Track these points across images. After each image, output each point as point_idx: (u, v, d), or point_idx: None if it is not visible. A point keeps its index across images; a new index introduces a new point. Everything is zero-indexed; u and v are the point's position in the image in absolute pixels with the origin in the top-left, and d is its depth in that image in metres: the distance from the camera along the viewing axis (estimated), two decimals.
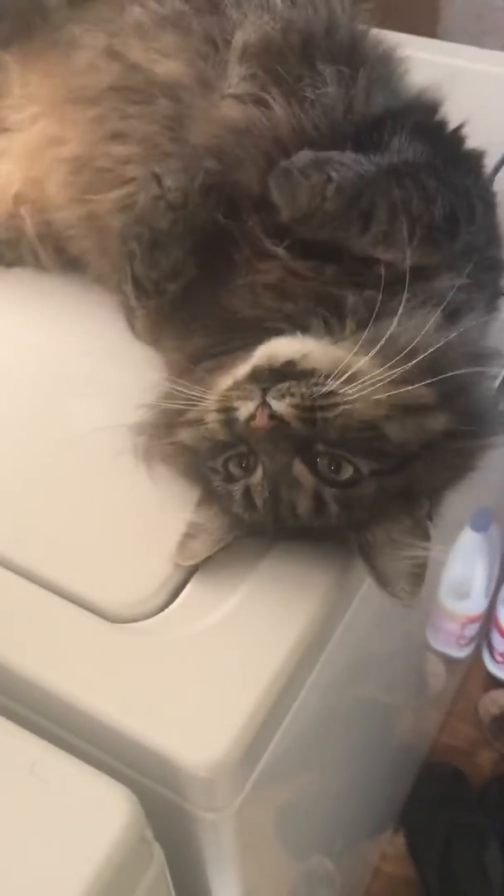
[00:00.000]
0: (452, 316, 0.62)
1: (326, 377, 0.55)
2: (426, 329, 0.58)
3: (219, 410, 0.58)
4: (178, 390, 0.60)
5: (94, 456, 0.69)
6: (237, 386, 0.58)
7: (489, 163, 0.95)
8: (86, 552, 0.63)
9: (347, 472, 0.56)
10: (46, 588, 0.61)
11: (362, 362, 0.56)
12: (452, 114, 0.97)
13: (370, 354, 0.57)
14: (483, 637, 1.78)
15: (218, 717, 0.54)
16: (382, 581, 0.59)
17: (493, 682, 1.79)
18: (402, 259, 0.59)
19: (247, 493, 0.58)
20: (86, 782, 0.50)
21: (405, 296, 0.59)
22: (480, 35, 2.08)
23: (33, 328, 0.81)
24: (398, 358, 0.56)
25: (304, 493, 0.57)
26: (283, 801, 0.79)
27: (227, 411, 0.57)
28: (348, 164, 0.59)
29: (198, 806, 0.55)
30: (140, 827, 0.49)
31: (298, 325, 0.60)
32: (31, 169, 0.80)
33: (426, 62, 1.12)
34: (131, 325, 0.73)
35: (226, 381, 0.60)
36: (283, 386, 0.55)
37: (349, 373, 0.55)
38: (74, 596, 0.60)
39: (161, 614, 0.59)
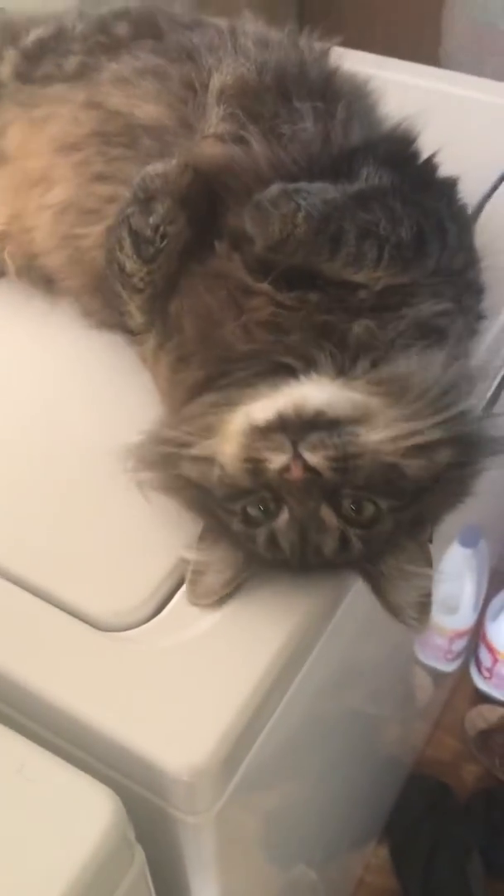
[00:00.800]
0: (454, 347, 0.64)
1: (353, 424, 0.57)
2: (435, 368, 0.60)
3: (244, 460, 0.58)
4: (183, 430, 0.61)
5: (87, 466, 0.70)
6: (263, 435, 0.58)
7: (482, 188, 0.98)
8: (76, 561, 0.65)
9: (369, 512, 0.58)
10: (38, 595, 0.62)
11: (381, 406, 0.58)
12: (447, 140, 1.01)
13: (387, 396, 0.59)
14: (471, 652, 1.80)
15: (201, 723, 0.56)
16: (394, 611, 0.61)
17: (480, 697, 1.80)
18: (374, 279, 0.62)
19: (272, 536, 0.59)
20: (71, 783, 0.52)
21: (399, 326, 0.62)
22: (482, 57, 2.10)
23: (34, 342, 0.83)
24: (412, 398, 0.58)
25: (330, 535, 0.58)
26: (267, 809, 0.80)
27: (254, 462, 0.57)
28: (316, 192, 0.62)
29: (179, 809, 0.57)
30: (122, 828, 0.51)
31: (303, 358, 0.62)
32: (15, 208, 0.82)
33: (424, 89, 1.16)
34: (127, 329, 0.74)
35: (239, 422, 0.60)
36: (315, 438, 0.56)
37: (371, 418, 0.57)
38: (65, 604, 0.62)
39: (149, 624, 0.61)
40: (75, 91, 0.81)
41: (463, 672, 1.80)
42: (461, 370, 0.62)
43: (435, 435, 0.58)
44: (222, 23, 0.86)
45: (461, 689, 1.81)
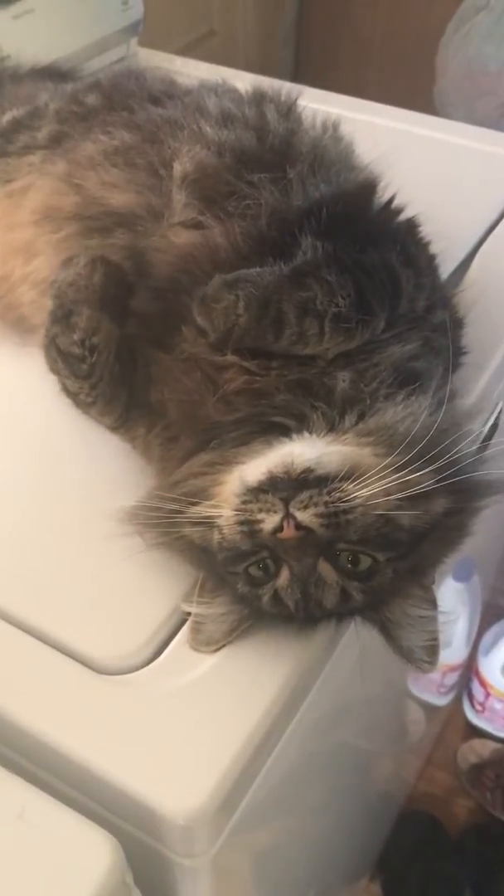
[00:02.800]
0: (438, 390, 0.65)
1: (342, 480, 0.58)
2: (422, 414, 0.62)
3: (240, 523, 0.59)
4: (179, 493, 0.62)
5: (87, 510, 0.72)
6: (255, 497, 0.59)
7: (474, 234, 1.01)
8: (76, 604, 0.66)
9: (366, 564, 0.59)
10: (38, 638, 0.63)
11: (370, 458, 0.59)
12: (443, 187, 1.03)
13: (377, 446, 0.60)
14: (463, 686, 1.80)
15: (198, 767, 0.57)
16: (405, 656, 0.63)
17: (473, 731, 1.81)
18: (323, 351, 0.63)
19: (275, 595, 0.60)
20: (71, 828, 0.52)
21: (378, 375, 0.63)
22: (474, 98, 2.14)
23: (31, 388, 0.84)
24: (401, 448, 0.59)
25: (330, 590, 0.59)
26: (261, 848, 0.81)
27: (248, 524, 0.58)
28: (254, 279, 0.63)
29: (176, 852, 0.58)
30: (121, 873, 0.51)
31: (293, 416, 0.63)
32: (2, 272, 0.83)
33: (419, 136, 1.19)
34: (90, 415, 0.74)
35: (232, 484, 0.61)
36: (305, 496, 0.57)
37: (361, 472, 0.58)
38: (64, 647, 0.63)
39: (147, 667, 0.62)
40: (53, 160, 0.82)
41: (455, 706, 1.81)
42: (449, 415, 0.63)
43: (428, 484, 0.59)
44: (192, 89, 0.88)
45: (453, 724, 1.81)
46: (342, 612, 0.62)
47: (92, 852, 0.51)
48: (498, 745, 1.77)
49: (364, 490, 0.57)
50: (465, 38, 2.08)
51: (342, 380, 0.64)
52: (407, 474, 0.58)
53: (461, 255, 0.98)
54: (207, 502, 0.61)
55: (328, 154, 0.78)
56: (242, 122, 0.79)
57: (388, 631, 0.63)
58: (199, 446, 0.65)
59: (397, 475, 0.58)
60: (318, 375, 0.64)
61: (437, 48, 2.14)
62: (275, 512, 0.58)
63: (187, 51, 1.88)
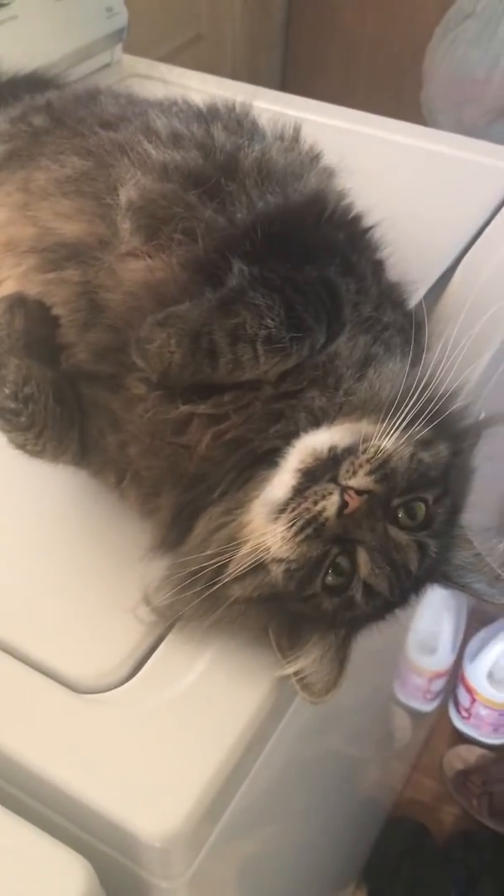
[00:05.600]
0: (403, 357, 0.67)
1: (364, 442, 0.59)
2: (396, 378, 0.64)
3: (301, 530, 0.58)
4: (206, 556, 0.61)
5: (63, 528, 0.71)
6: (302, 496, 0.59)
7: (456, 247, 1.01)
8: (51, 621, 0.65)
9: (422, 511, 0.61)
10: (14, 656, 0.63)
11: (369, 427, 0.61)
12: (428, 196, 1.03)
13: (369, 415, 0.62)
14: (449, 692, 1.80)
15: (175, 787, 0.56)
16: (481, 595, 0.66)
17: (459, 737, 1.81)
18: (263, 373, 0.63)
19: (366, 586, 0.60)
20: (44, 851, 0.52)
21: (342, 370, 0.64)
22: (462, 103, 2.15)
23: None
24: (390, 409, 0.61)
25: (409, 548, 0.61)
26: (244, 859, 0.80)
27: (310, 523, 0.58)
28: (184, 314, 0.63)
29: (153, 874, 0.57)
30: None
31: (282, 437, 0.63)
32: None
33: (405, 146, 1.19)
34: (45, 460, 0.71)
35: (260, 513, 0.60)
36: (347, 466, 0.59)
37: (373, 433, 0.60)
38: (39, 664, 0.62)
39: (124, 686, 0.61)
40: (9, 183, 0.81)
41: (441, 712, 1.81)
42: (423, 371, 0.65)
43: (426, 430, 0.61)
44: (145, 107, 0.87)
45: (439, 730, 1.82)
46: (425, 574, 0.63)
47: (65, 876, 0.51)
48: (484, 752, 1.77)
49: (386, 442, 0.59)
50: (452, 44, 2.09)
51: (311, 397, 0.64)
52: (406, 427, 0.60)
53: (444, 264, 0.98)
54: (245, 546, 0.60)
55: (275, 165, 0.78)
56: (190, 141, 0.78)
57: (457, 580, 0.65)
58: (192, 498, 0.65)
59: (398, 429, 0.60)
60: (286, 401, 0.64)
61: (424, 54, 2.15)
62: (331, 493, 0.58)
63: (175, 55, 1.88)
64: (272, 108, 0.96)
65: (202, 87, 1.26)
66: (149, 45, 1.59)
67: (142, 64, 1.37)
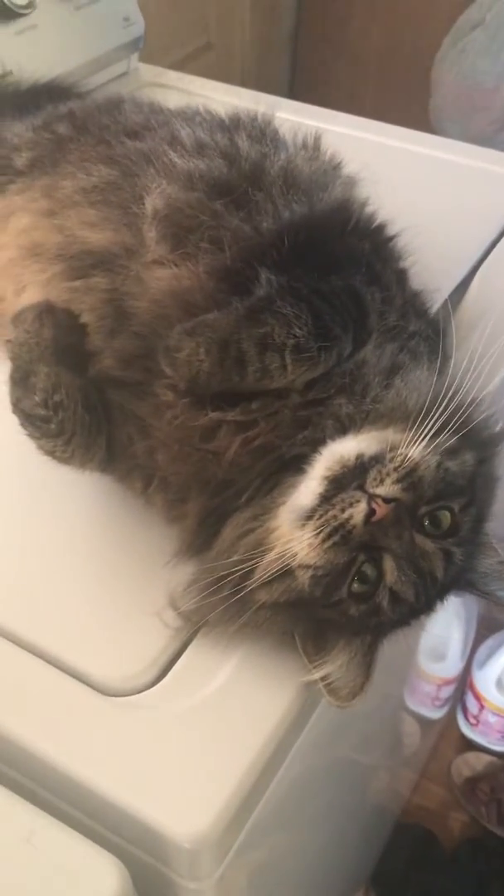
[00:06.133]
0: (430, 364, 0.68)
1: (392, 451, 0.60)
2: (422, 386, 0.64)
3: (328, 536, 0.59)
4: (234, 561, 0.61)
5: (90, 533, 0.72)
6: (330, 503, 0.59)
7: (472, 256, 1.01)
8: (82, 625, 0.66)
9: (448, 520, 0.62)
10: (44, 659, 0.63)
11: (395, 435, 0.61)
12: (439, 205, 1.04)
13: (396, 424, 0.62)
14: (458, 699, 1.81)
15: (205, 790, 0.57)
16: (502, 601, 0.67)
17: (467, 744, 1.81)
18: (291, 382, 0.63)
19: (392, 593, 0.60)
20: (79, 852, 0.52)
21: (369, 378, 0.65)
22: (469, 113, 2.16)
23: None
24: (417, 418, 0.61)
25: (435, 556, 0.61)
26: (259, 864, 0.80)
27: (338, 530, 0.59)
28: (212, 323, 0.63)
29: (182, 875, 0.58)
30: None
31: (309, 443, 0.63)
32: None
33: (418, 155, 1.20)
34: (73, 466, 0.72)
35: (286, 519, 0.61)
36: (374, 474, 0.59)
37: (400, 441, 0.60)
38: (70, 668, 0.63)
39: (153, 689, 0.62)
40: (34, 196, 0.82)
41: (450, 719, 1.81)
42: (450, 380, 0.65)
43: (453, 440, 0.62)
44: (168, 120, 0.87)
45: (448, 737, 1.82)
46: (450, 581, 0.63)
47: (100, 877, 0.51)
48: (492, 759, 1.77)
49: (413, 450, 0.60)
50: (460, 53, 2.10)
51: (338, 405, 0.64)
52: (433, 436, 0.61)
53: (461, 274, 0.98)
54: (272, 552, 0.61)
55: (300, 174, 0.78)
56: (214, 150, 0.79)
57: (482, 587, 0.66)
58: (219, 504, 0.65)
59: (425, 438, 0.60)
60: (314, 409, 0.64)
61: (432, 64, 2.15)
62: (358, 501, 0.59)
63: (185, 63, 1.89)
64: (283, 116, 0.97)
65: (218, 96, 1.27)
66: (159, 53, 1.60)
67: (157, 73, 1.38)
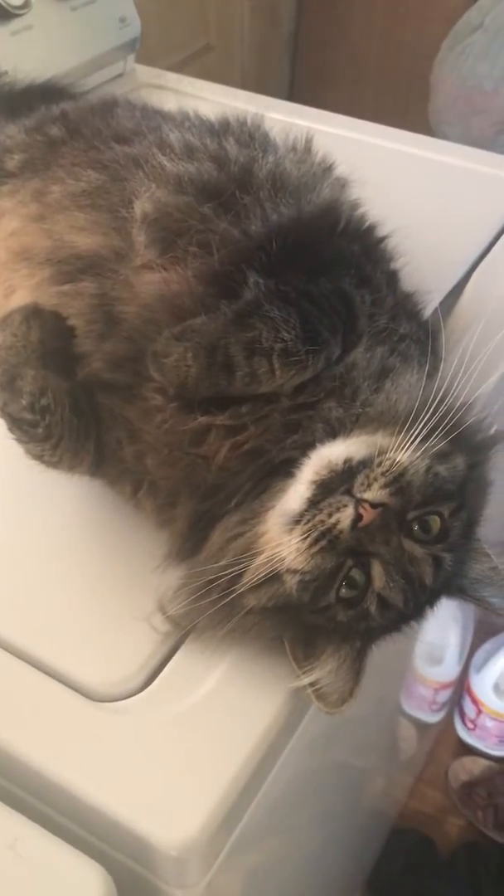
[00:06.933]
0: (420, 368, 0.67)
1: (380, 455, 0.60)
2: (413, 390, 0.64)
3: (315, 541, 0.59)
4: (222, 565, 0.61)
5: (79, 537, 0.71)
6: (317, 507, 0.59)
7: (468, 259, 1.01)
8: (69, 630, 0.66)
9: (438, 525, 0.61)
10: (31, 664, 0.63)
11: (385, 439, 0.61)
12: (437, 207, 1.04)
13: (386, 428, 0.62)
14: (455, 703, 1.80)
15: (191, 796, 0.56)
16: (499, 609, 0.66)
17: (464, 749, 1.81)
18: (279, 386, 0.63)
19: (381, 598, 0.60)
20: (64, 860, 0.52)
21: (359, 379, 0.64)
22: (469, 115, 2.16)
23: None
24: (407, 421, 0.61)
25: (424, 562, 0.61)
26: (252, 868, 0.80)
27: (325, 534, 0.58)
28: (199, 328, 0.63)
29: (168, 883, 0.57)
30: None
31: (298, 447, 0.63)
32: None
33: (415, 157, 1.20)
34: (61, 471, 0.72)
35: (275, 523, 0.61)
36: (361, 479, 0.59)
37: (389, 446, 0.60)
38: (57, 673, 0.62)
39: (140, 694, 0.62)
40: (23, 193, 0.82)
41: (447, 723, 1.81)
42: (440, 383, 0.65)
43: (443, 443, 0.62)
44: (158, 121, 0.87)
45: (444, 741, 1.81)
46: (439, 587, 0.63)
47: (84, 885, 0.51)
48: (489, 763, 1.77)
49: (402, 455, 0.59)
50: (460, 56, 2.09)
51: (328, 409, 0.64)
52: (423, 440, 0.60)
53: (457, 276, 0.98)
54: (260, 556, 0.60)
55: (289, 177, 0.78)
56: (204, 153, 0.78)
57: (472, 593, 0.66)
58: (208, 508, 0.65)
59: (414, 442, 0.60)
60: (303, 412, 0.64)
61: (432, 66, 2.15)
62: (346, 505, 0.58)
63: (184, 65, 1.89)
64: (281, 118, 0.97)
65: (214, 98, 1.27)
66: (158, 54, 1.60)
67: (154, 74, 1.38)
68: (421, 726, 1.62)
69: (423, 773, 1.76)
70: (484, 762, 1.77)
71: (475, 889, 1.57)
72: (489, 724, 1.76)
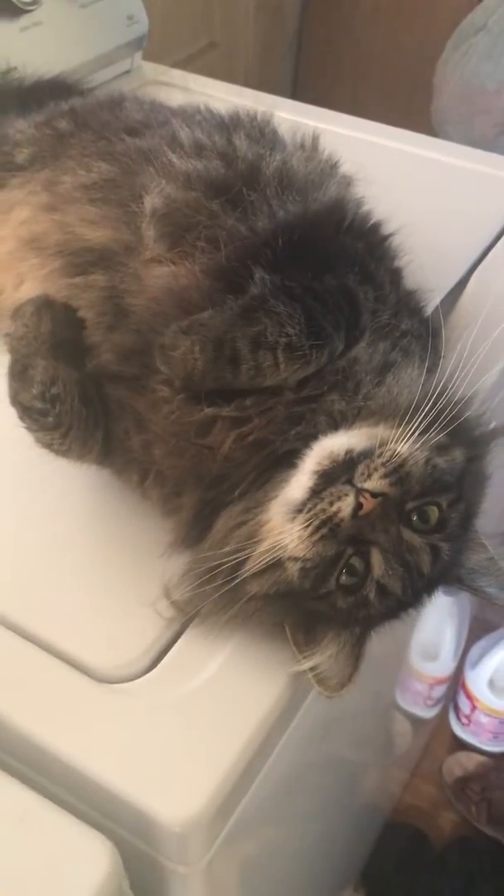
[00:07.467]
0: (421, 363, 0.69)
1: (381, 446, 0.61)
2: (414, 383, 0.65)
3: (317, 529, 0.60)
4: (226, 552, 0.62)
5: (87, 524, 0.73)
6: (318, 497, 0.60)
7: (469, 258, 1.03)
8: (76, 612, 0.67)
9: (436, 515, 0.63)
10: (38, 645, 0.64)
11: (386, 431, 0.62)
12: (439, 207, 1.05)
13: (387, 420, 0.63)
14: (450, 698, 1.81)
15: (195, 775, 0.58)
16: (495, 598, 0.68)
17: (458, 744, 1.82)
18: (283, 380, 0.64)
19: (379, 586, 0.61)
20: (71, 833, 0.53)
21: (360, 374, 0.66)
22: (472, 115, 2.17)
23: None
24: (407, 414, 0.62)
25: (422, 551, 0.62)
26: (249, 857, 0.81)
27: (326, 523, 0.60)
28: (206, 321, 0.64)
29: (171, 859, 0.59)
30: (119, 878, 0.52)
31: (301, 439, 0.64)
32: None
33: (417, 157, 1.21)
34: (70, 459, 0.73)
35: (278, 512, 0.62)
36: (363, 469, 0.60)
37: (390, 437, 0.61)
38: (64, 654, 0.64)
39: (146, 676, 0.63)
40: (35, 190, 0.83)
41: (441, 719, 1.82)
42: (440, 377, 0.66)
43: (441, 436, 0.63)
44: (168, 116, 0.89)
45: (439, 736, 1.82)
46: (437, 576, 0.64)
47: (91, 858, 0.52)
48: (483, 759, 1.78)
49: (402, 446, 0.61)
50: (463, 56, 2.10)
51: (331, 401, 0.65)
52: (422, 432, 0.62)
53: (458, 275, 0.99)
54: (263, 544, 0.62)
55: (296, 174, 0.79)
56: (212, 150, 0.80)
57: (470, 583, 0.67)
58: (213, 497, 0.66)
59: (414, 434, 0.61)
60: (307, 405, 0.65)
61: (435, 66, 2.16)
62: (346, 494, 0.60)
63: (189, 62, 1.90)
64: (285, 116, 0.98)
65: (220, 95, 1.28)
66: (163, 51, 1.61)
67: (160, 71, 1.39)
68: (416, 721, 1.63)
69: (417, 768, 1.78)
70: (478, 757, 1.78)
71: (468, 883, 1.59)
72: (483, 719, 1.77)
